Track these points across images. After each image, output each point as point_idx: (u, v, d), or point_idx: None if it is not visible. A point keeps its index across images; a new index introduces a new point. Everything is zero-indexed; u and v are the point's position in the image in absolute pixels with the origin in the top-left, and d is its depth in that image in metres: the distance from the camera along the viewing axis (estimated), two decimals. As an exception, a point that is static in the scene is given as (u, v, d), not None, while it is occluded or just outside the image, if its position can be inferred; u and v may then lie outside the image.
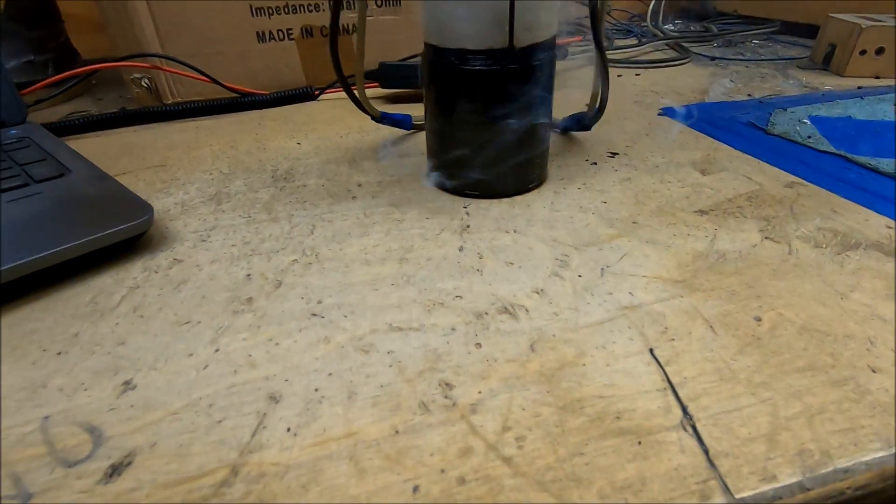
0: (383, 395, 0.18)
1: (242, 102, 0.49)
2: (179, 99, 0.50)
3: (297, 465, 0.15)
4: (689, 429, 0.16)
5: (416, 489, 0.15)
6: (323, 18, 0.52)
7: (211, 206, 0.31)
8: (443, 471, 0.15)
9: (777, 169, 0.33)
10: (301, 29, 0.52)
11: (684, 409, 0.17)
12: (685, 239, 0.26)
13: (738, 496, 0.14)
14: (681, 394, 0.17)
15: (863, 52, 0.53)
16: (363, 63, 0.33)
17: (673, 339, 0.20)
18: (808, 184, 0.31)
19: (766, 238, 0.26)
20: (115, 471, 0.15)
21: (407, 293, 0.23)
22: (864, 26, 0.52)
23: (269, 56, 0.52)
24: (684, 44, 0.69)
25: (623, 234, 0.27)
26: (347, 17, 0.52)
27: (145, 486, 0.15)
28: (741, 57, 0.64)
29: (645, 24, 0.81)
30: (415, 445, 0.16)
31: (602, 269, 0.24)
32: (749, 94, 0.49)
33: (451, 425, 0.16)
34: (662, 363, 0.18)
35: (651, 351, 0.19)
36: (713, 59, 0.64)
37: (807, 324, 0.20)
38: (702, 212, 0.28)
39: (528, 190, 0.31)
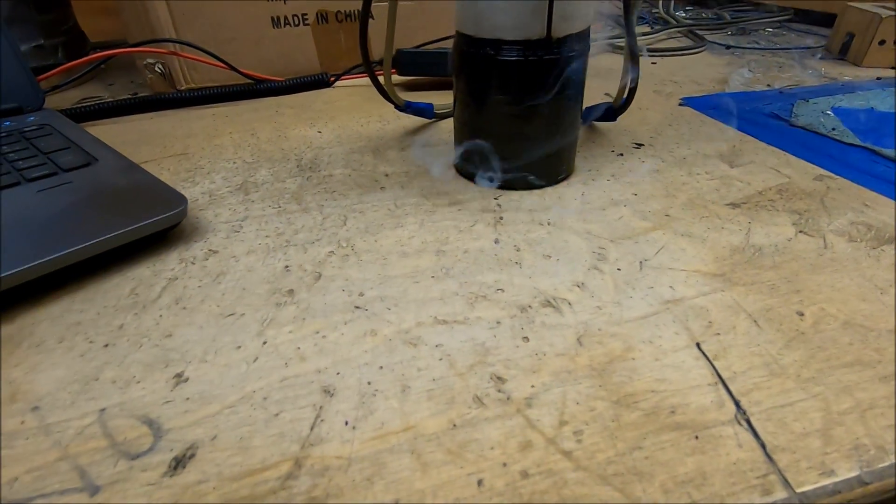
0: (437, 389, 0.18)
1: (258, 89, 0.49)
2: (193, 85, 0.50)
3: (359, 458, 0.15)
4: (744, 423, 0.16)
5: (480, 483, 0.15)
6: (338, 4, 0.51)
7: (239, 196, 0.31)
8: (505, 464, 0.15)
9: (804, 161, 0.33)
10: (316, 14, 0.51)
11: (737, 404, 0.17)
12: (720, 232, 0.26)
13: (798, 490, 0.14)
14: (732, 388, 0.17)
15: (882, 42, 0.52)
16: (392, 52, 0.33)
17: (718, 334, 0.20)
18: (837, 177, 0.31)
19: (801, 232, 0.26)
20: (178, 463, 0.15)
21: (448, 286, 0.23)
22: (883, 16, 0.51)
23: (283, 42, 0.51)
24: (698, 31, 0.69)
25: (657, 226, 0.27)
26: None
27: (211, 478, 0.15)
28: (756, 46, 0.63)
29: (657, 10, 0.81)
30: (474, 439, 0.16)
31: (640, 262, 0.24)
32: (769, 85, 0.48)
33: (508, 419, 0.17)
34: (710, 358, 0.19)
35: (698, 345, 0.19)
36: (728, 47, 0.63)
37: (850, 319, 0.20)
38: (734, 205, 0.28)
39: (558, 181, 0.31)
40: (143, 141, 0.39)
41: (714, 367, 0.18)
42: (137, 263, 0.25)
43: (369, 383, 0.18)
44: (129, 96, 0.45)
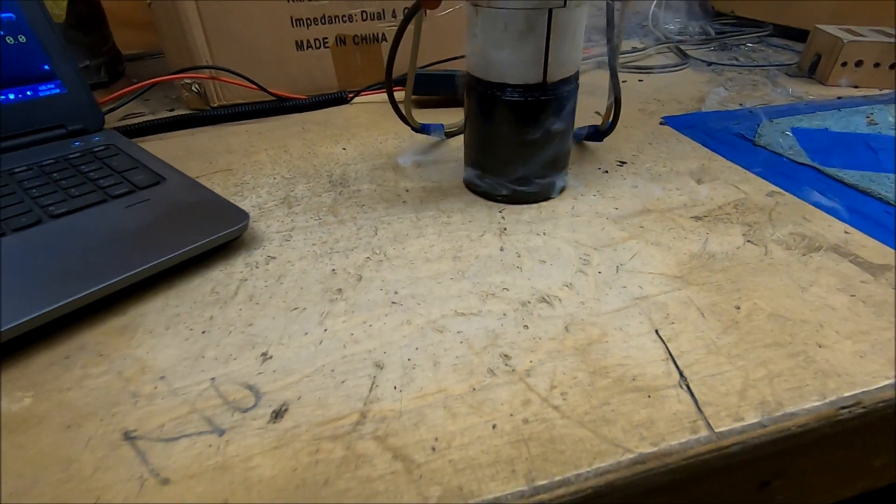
0: (460, 364, 0.24)
1: (284, 106, 0.54)
2: (225, 102, 0.55)
3: (407, 411, 0.21)
4: (685, 387, 0.22)
5: (494, 426, 0.21)
6: (355, 28, 0.57)
7: (284, 210, 0.37)
8: (511, 415, 0.21)
9: (761, 179, 0.39)
10: (335, 38, 0.56)
11: (681, 374, 0.23)
12: (683, 241, 0.32)
13: (717, 430, 0.20)
14: (679, 363, 0.23)
15: (844, 64, 0.58)
16: (412, 84, 0.39)
17: (673, 323, 0.26)
18: (787, 193, 0.37)
19: (748, 241, 0.32)
20: (277, 415, 0.21)
21: (464, 286, 0.29)
22: (845, 41, 0.57)
23: (306, 63, 0.57)
24: (683, 47, 0.75)
25: (633, 236, 0.33)
26: (378, 26, 0.57)
27: (303, 424, 0.21)
28: (735, 63, 0.69)
29: (647, 23, 0.86)
30: (489, 398, 0.22)
31: (617, 266, 0.30)
32: (741, 104, 0.54)
33: (513, 385, 0.23)
34: (665, 340, 0.25)
35: (657, 331, 0.25)
36: (710, 64, 0.69)
37: (774, 311, 0.26)
38: (697, 217, 0.35)
39: (553, 197, 0.37)
40: (189, 157, 0.45)
41: (667, 348, 0.24)
42: (211, 267, 0.31)
43: (409, 360, 0.24)
44: (176, 115, 0.51)
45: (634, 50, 0.75)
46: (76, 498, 0.19)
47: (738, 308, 0.27)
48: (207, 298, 0.28)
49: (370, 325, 0.26)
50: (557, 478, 0.19)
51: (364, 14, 0.56)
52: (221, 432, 0.21)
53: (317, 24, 0.55)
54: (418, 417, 0.21)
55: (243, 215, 0.32)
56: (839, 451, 0.24)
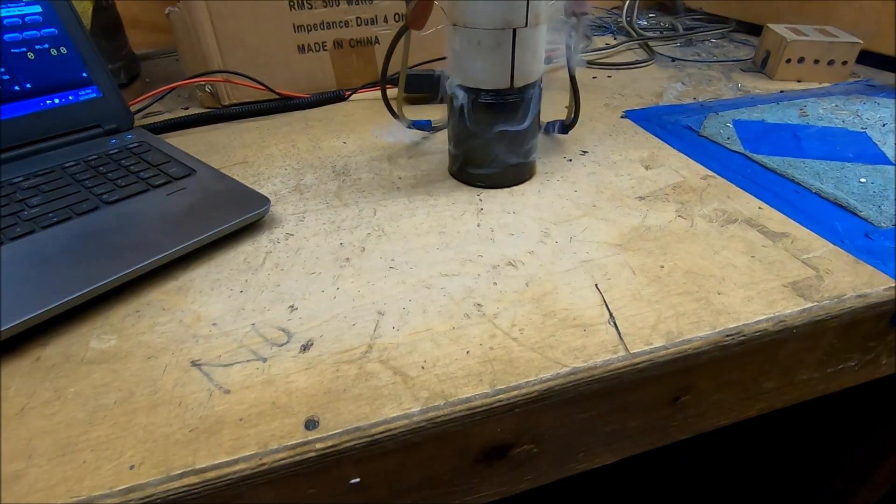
0: (443, 311, 0.31)
1: (289, 104, 0.61)
2: (235, 101, 0.62)
3: (403, 344, 0.29)
4: (612, 324, 0.30)
5: (468, 352, 0.28)
6: (351, 33, 0.63)
7: (297, 196, 0.43)
8: (481, 344, 0.28)
9: (699, 165, 0.46)
10: (333, 42, 0.63)
11: (611, 314, 0.30)
12: (627, 217, 0.39)
13: (631, 351, 0.28)
14: (610, 307, 0.31)
15: (788, 61, 0.66)
16: (403, 91, 0.45)
17: (609, 279, 0.33)
18: (718, 177, 0.44)
19: (679, 216, 0.39)
20: (305, 348, 0.28)
21: (448, 255, 0.36)
22: (789, 40, 0.64)
23: (307, 64, 0.63)
24: (651, 44, 0.81)
25: (586, 214, 0.40)
26: (372, 31, 0.64)
27: (325, 354, 0.28)
28: (697, 58, 0.76)
29: (620, 19, 0.93)
30: (464, 334, 0.29)
31: (571, 237, 0.37)
32: (694, 98, 0.61)
33: (483, 324, 0.30)
34: (602, 292, 0.32)
35: (596, 286, 0.32)
36: (674, 60, 0.76)
37: (690, 269, 0.34)
38: (641, 198, 0.42)
39: (523, 181, 0.44)
40: (210, 151, 0.52)
41: (603, 297, 0.32)
42: (241, 242, 0.37)
43: (404, 308, 0.31)
44: (195, 113, 0.57)
45: (607, 46, 0.82)
46: (164, 404, 0.26)
47: (662, 267, 0.34)
48: (241, 266, 0.35)
49: (373, 284, 0.33)
50: (512, 384, 0.26)
51: (359, 20, 0.62)
52: (264, 360, 0.28)
53: (317, 30, 0.61)
54: (411, 347, 0.28)
55: (265, 200, 0.39)
56: (733, 372, 0.32)
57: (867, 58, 0.68)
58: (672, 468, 0.91)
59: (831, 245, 0.35)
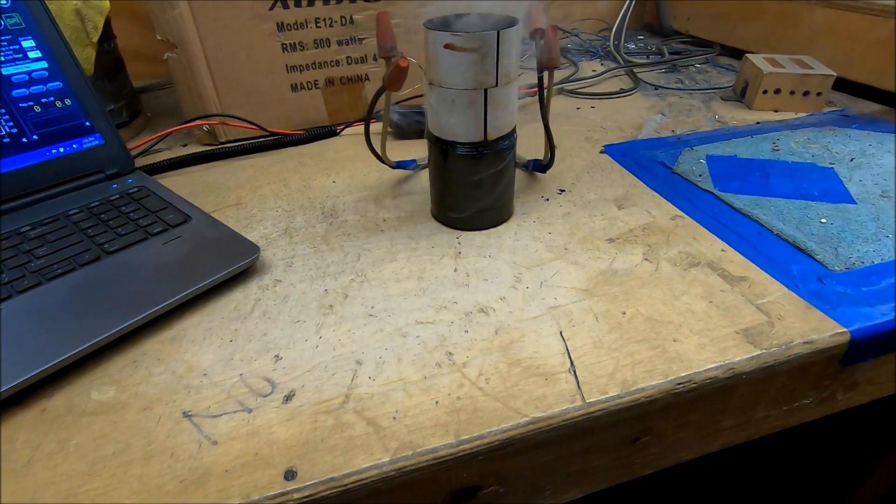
0: (416, 360, 0.33)
1: (284, 141, 0.64)
2: (230, 138, 0.65)
3: (377, 393, 0.31)
4: (572, 373, 0.32)
5: (437, 402, 0.30)
6: (341, 72, 0.66)
7: (286, 239, 0.46)
8: (449, 394, 0.31)
9: (670, 204, 0.48)
10: (325, 80, 0.65)
11: (572, 363, 0.32)
12: (595, 261, 0.41)
13: (587, 401, 0.30)
14: (572, 355, 0.33)
15: (765, 92, 0.68)
16: (385, 139, 0.48)
17: (574, 326, 0.35)
18: (687, 217, 0.47)
19: (645, 259, 0.41)
20: (287, 399, 0.31)
21: (424, 301, 0.38)
22: (765, 72, 0.66)
23: (300, 102, 0.66)
24: (637, 70, 0.84)
25: (558, 257, 0.42)
26: (361, 69, 0.66)
27: (305, 405, 0.30)
28: (680, 86, 0.78)
29: (608, 44, 0.95)
30: (435, 384, 0.32)
31: (541, 282, 0.39)
32: (673, 131, 0.64)
33: (453, 374, 0.32)
34: (566, 339, 0.34)
35: (561, 333, 0.35)
36: (657, 88, 0.78)
37: (650, 315, 0.36)
38: (611, 240, 0.44)
39: (501, 223, 0.47)
40: (204, 192, 0.54)
41: (566, 345, 0.34)
42: (232, 289, 0.40)
43: (380, 357, 0.33)
44: (191, 153, 0.60)
45: (594, 73, 0.84)
46: (157, 455, 0.28)
47: (624, 313, 0.36)
48: (232, 315, 0.38)
49: (353, 333, 0.36)
50: (475, 434, 0.29)
51: (349, 59, 0.65)
52: (250, 410, 0.30)
53: (309, 69, 0.64)
54: (385, 397, 0.31)
55: (255, 248, 0.41)
56: (690, 414, 0.34)
57: (845, 85, 0.70)
58: (675, 480, 0.93)
59: (786, 289, 0.37)
